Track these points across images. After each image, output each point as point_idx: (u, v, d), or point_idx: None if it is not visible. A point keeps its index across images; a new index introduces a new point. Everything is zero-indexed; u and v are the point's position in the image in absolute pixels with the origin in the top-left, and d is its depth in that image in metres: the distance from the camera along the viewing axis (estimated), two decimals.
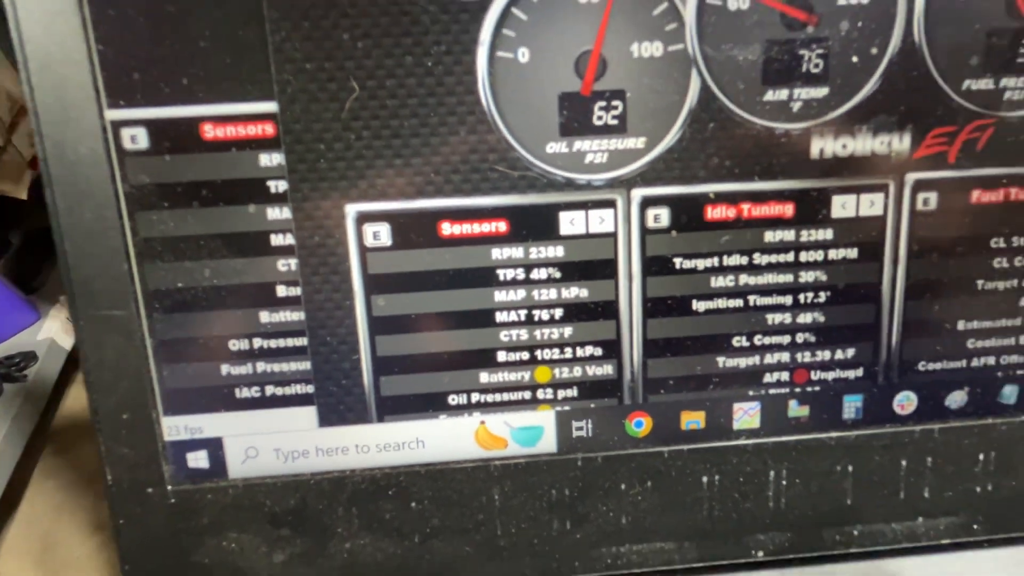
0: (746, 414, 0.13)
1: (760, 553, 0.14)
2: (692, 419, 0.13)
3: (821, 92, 0.12)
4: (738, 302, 0.13)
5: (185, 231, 0.11)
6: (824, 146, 0.12)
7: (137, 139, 0.11)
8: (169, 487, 0.12)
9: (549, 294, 0.12)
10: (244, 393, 0.12)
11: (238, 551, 0.13)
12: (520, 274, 0.12)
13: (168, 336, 0.12)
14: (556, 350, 0.13)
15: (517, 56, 0.11)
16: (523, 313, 0.12)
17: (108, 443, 0.12)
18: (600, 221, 0.12)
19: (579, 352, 0.13)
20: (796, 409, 0.13)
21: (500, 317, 0.12)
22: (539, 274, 0.12)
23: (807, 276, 0.13)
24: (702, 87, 0.12)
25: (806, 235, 0.12)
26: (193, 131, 0.11)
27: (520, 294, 0.12)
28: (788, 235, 0.12)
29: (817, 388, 0.13)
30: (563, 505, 0.13)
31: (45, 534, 0.17)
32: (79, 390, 0.27)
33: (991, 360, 0.13)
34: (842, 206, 0.12)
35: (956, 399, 0.13)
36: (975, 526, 0.14)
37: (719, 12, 0.11)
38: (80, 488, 0.19)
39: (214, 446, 0.12)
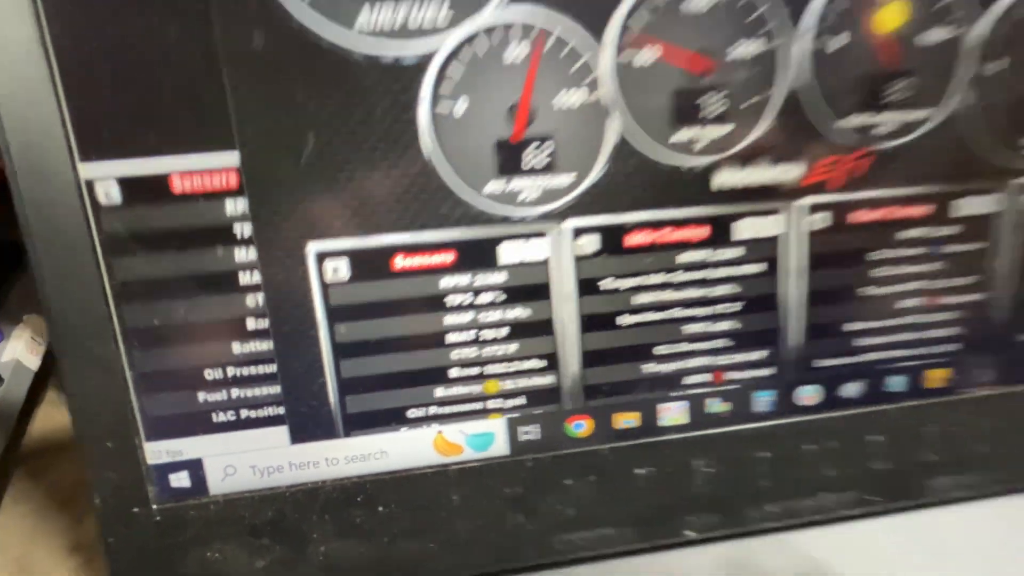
0: (673, 412, 0.15)
1: (691, 532, 0.15)
2: (627, 419, 0.15)
3: (723, 131, 0.14)
4: (661, 315, 0.14)
5: (159, 275, 0.12)
6: (728, 178, 0.14)
7: (110, 194, 0.12)
8: (154, 506, 0.13)
9: (494, 316, 0.14)
10: (221, 417, 0.13)
11: (222, 560, 0.14)
12: (467, 299, 0.14)
13: (147, 369, 0.13)
14: (502, 365, 0.14)
15: (454, 111, 0.12)
16: (472, 333, 0.14)
17: (94, 468, 0.13)
18: (536, 250, 0.14)
19: (523, 365, 0.14)
20: (716, 405, 0.15)
21: (451, 338, 0.14)
22: (484, 298, 0.14)
23: (719, 290, 0.14)
24: (620, 130, 0.13)
25: (716, 255, 0.14)
26: (162, 184, 0.12)
27: (468, 317, 0.14)
28: (701, 255, 0.14)
29: (733, 386, 0.15)
30: (516, 501, 0.15)
31: (20, 557, 0.17)
32: (47, 411, 0.27)
33: (878, 355, 0.15)
34: (746, 229, 0.14)
35: (851, 390, 0.15)
36: (872, 497, 0.16)
37: (628, 67, 0.13)
38: (54, 511, 0.19)
39: (195, 467, 0.13)
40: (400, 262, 0.13)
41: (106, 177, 0.12)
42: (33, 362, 0.24)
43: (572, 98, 0.13)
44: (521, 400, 0.14)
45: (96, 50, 0.11)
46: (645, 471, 0.15)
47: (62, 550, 0.17)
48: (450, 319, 0.14)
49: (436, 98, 0.12)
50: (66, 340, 0.13)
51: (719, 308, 0.14)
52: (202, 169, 0.12)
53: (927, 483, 0.16)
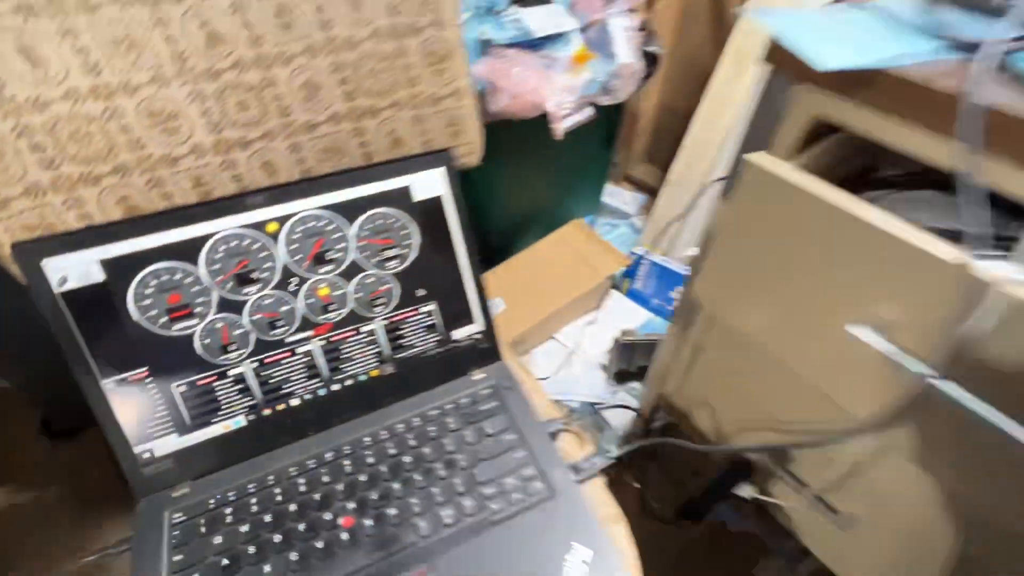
0: (298, 399, 0.53)
1: (309, 433, 0.54)
2: (281, 407, 0.52)
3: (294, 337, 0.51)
4: (289, 386, 0.52)
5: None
6: (293, 339, 0.51)
7: (113, 388, 0.46)
8: (140, 464, 0.48)
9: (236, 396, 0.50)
10: (157, 436, 0.48)
11: (161, 476, 0.48)
12: (230, 399, 0.50)
13: (128, 431, 0.47)
14: (239, 405, 0.50)
15: (203, 343, 0.48)
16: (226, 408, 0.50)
17: (122, 458, 0.47)
18: (237, 370, 0.50)
19: (244, 403, 0.51)
20: (308, 397, 0.53)
21: (223, 409, 0.50)
22: (231, 390, 0.50)
23: (300, 366, 0.52)
24: (252, 348, 0.50)
25: (295, 360, 0.52)
26: (134, 380, 0.46)
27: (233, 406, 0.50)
28: (297, 363, 0.52)
29: (314, 392, 0.53)
30: (258, 437, 0.51)
31: None
32: None
33: (357, 370, 0.55)
34: (306, 350, 0.52)
35: (350, 380, 0.55)
36: (364, 410, 0.55)
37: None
38: None
39: (152, 451, 0.48)
40: (201, 382, 0.49)
41: (111, 382, 0.45)
42: None
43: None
44: (245, 411, 0.51)
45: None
46: (296, 415, 0.53)
47: None
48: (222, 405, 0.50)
49: (200, 339, 0.48)
50: (111, 441, 0.46)
51: (308, 379, 0.52)
52: (136, 377, 0.46)
53: (383, 399, 0.56)
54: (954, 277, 0.34)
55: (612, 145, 1.45)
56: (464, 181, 0.55)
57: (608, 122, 1.39)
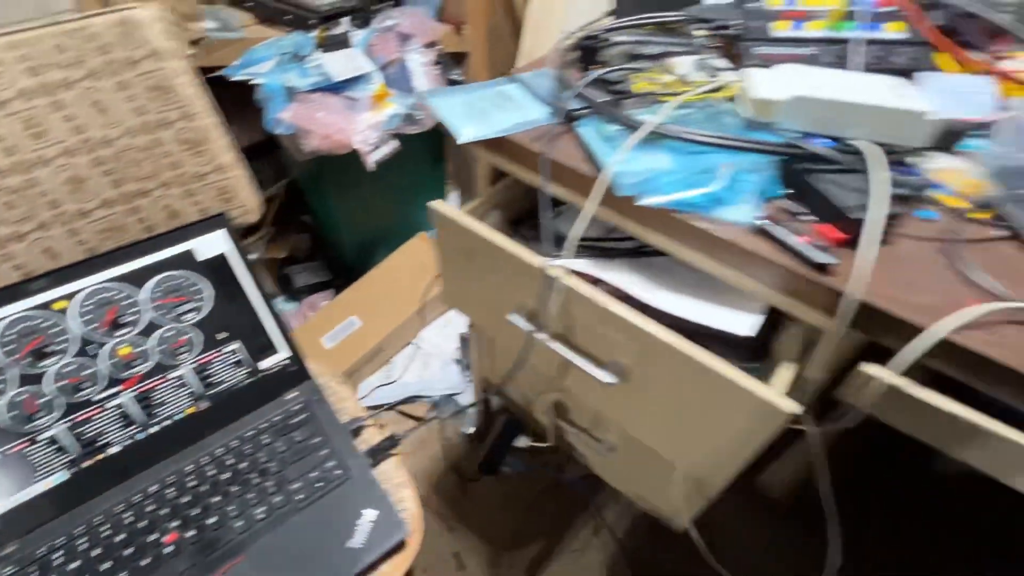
0: (113, 449, 0.60)
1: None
2: (112, 452, 0.60)
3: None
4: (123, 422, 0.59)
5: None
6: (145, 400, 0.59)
7: None
8: None
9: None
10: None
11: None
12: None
13: None
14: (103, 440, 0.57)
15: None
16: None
17: None
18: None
19: (63, 460, 0.58)
20: (165, 424, 0.61)
21: (40, 469, 0.56)
22: (46, 451, 0.57)
23: (166, 400, 0.60)
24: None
25: (169, 386, 0.60)
26: None
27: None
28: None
29: (163, 422, 0.61)
30: (81, 483, 0.59)
31: None
32: None
33: (173, 409, 0.63)
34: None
35: (182, 413, 0.63)
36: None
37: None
38: None
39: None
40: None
41: None
42: None
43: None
44: (67, 464, 0.58)
45: None
46: (118, 460, 0.60)
47: None
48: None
49: (4, 413, 0.54)
50: None
51: (124, 427, 0.60)
52: None
53: (203, 431, 0.65)
54: (540, 274, 0.52)
55: (442, 161, 1.59)
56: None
57: (432, 142, 1.53)
